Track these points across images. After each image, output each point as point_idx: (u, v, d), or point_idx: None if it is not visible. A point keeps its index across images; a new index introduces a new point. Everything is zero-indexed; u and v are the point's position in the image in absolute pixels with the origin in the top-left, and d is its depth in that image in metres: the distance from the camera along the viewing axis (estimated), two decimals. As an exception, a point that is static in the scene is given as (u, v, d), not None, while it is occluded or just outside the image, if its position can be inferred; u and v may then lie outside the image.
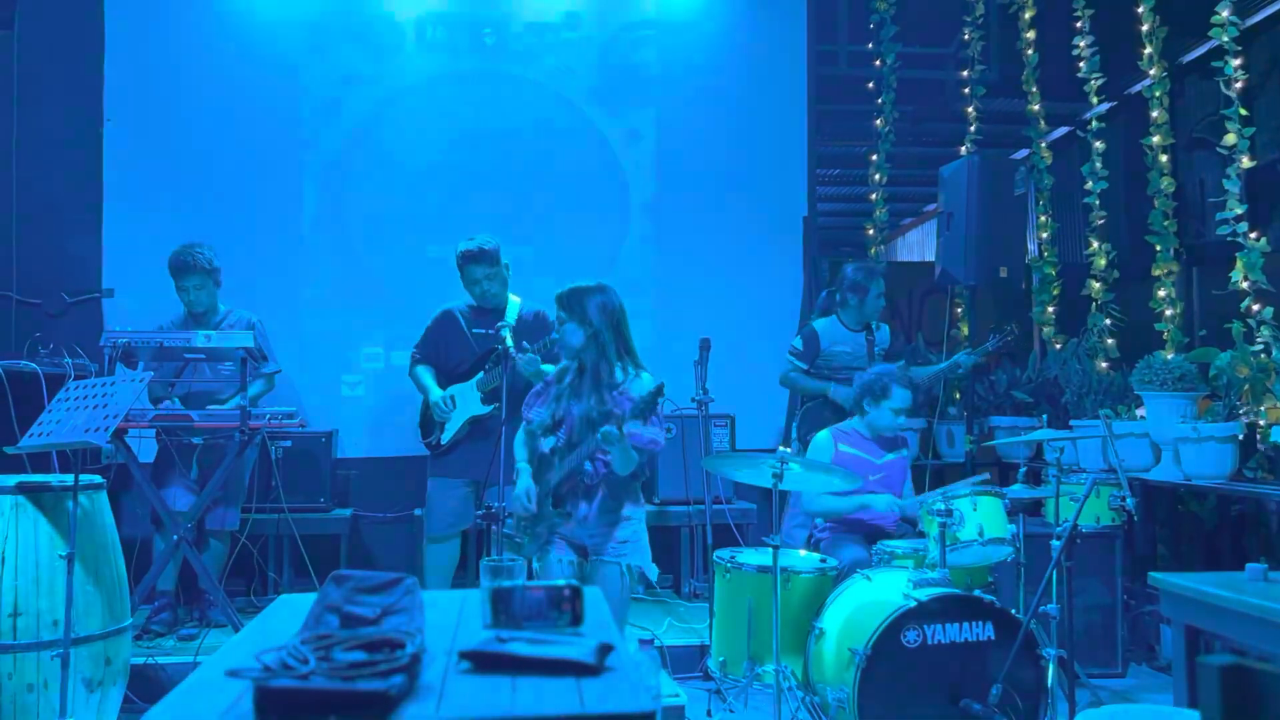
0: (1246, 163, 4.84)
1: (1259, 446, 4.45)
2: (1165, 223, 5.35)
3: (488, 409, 4.61)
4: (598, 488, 3.42)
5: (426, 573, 4.65)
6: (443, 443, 4.67)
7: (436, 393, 4.65)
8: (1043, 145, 6.60)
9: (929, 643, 3.29)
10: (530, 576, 3.52)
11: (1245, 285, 4.67)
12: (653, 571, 3.52)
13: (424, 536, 4.76)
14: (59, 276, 5.58)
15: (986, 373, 6.31)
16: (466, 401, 4.67)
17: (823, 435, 4.33)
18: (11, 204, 5.56)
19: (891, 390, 4.21)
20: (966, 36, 6.86)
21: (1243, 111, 4.83)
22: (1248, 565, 2.75)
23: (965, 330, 6.47)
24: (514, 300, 4.76)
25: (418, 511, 5.11)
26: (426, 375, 4.73)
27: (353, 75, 5.96)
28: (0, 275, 5.52)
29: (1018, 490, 3.82)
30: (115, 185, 5.69)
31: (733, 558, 3.80)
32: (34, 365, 4.48)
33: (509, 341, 3.84)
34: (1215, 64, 4.93)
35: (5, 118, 5.58)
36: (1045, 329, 6.40)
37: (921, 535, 3.90)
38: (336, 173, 5.93)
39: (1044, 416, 5.20)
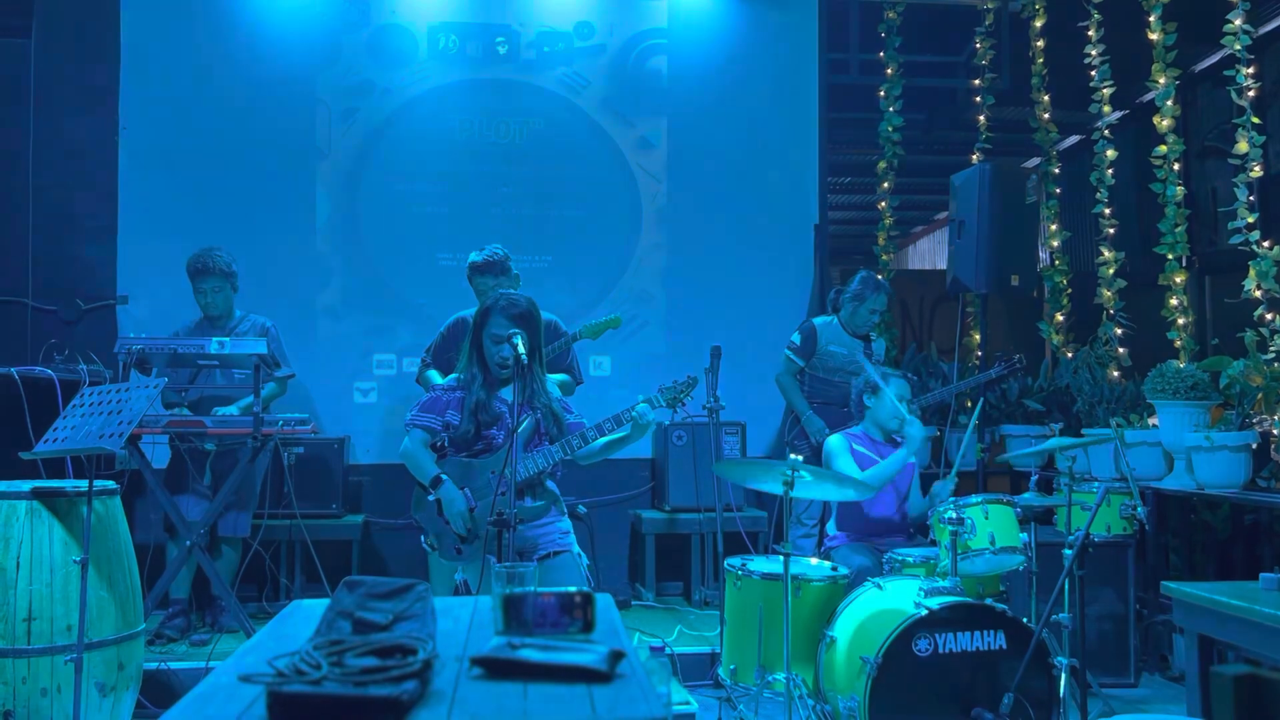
0: (1258, 171, 4.84)
1: (1272, 455, 4.42)
2: (1176, 231, 5.33)
3: None
4: (541, 479, 3.59)
5: (431, 573, 4.64)
6: None
7: None
8: (1054, 154, 6.59)
9: (940, 651, 3.28)
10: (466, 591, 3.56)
11: (1258, 294, 4.65)
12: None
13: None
14: (74, 283, 5.63)
15: (997, 382, 6.29)
16: None
17: (836, 439, 4.32)
18: (27, 211, 5.60)
19: (890, 379, 4.28)
20: (977, 45, 6.86)
21: (1255, 120, 4.83)
22: (1261, 575, 2.74)
23: (976, 338, 6.45)
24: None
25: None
26: (436, 377, 4.75)
27: (366, 84, 5.99)
28: (16, 282, 5.56)
29: (1029, 499, 3.81)
30: (130, 193, 5.72)
31: (743, 565, 3.79)
32: (49, 371, 4.50)
33: (521, 349, 3.84)
34: (1227, 72, 4.93)
35: (22, 125, 5.62)
36: (1056, 337, 6.38)
37: (933, 543, 3.90)
38: (350, 181, 5.95)
39: (1056, 425, 5.19)
